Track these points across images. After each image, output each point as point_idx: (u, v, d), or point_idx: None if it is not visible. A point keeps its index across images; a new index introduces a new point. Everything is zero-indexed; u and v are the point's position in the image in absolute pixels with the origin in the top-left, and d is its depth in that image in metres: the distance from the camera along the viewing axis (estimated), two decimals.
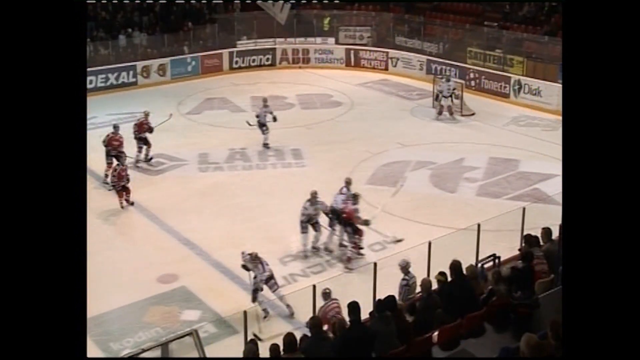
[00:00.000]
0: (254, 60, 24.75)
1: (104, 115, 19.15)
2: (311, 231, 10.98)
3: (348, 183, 11.41)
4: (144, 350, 8.04)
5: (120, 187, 12.70)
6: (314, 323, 6.96)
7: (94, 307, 9.30)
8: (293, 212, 12.60)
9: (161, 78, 23.04)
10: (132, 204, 12.92)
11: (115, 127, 14.33)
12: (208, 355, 7.56)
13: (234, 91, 21.54)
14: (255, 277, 9.23)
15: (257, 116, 15.80)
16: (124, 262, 10.96)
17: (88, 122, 18.63)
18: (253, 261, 9.28)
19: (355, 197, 10.92)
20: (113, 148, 13.83)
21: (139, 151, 15.06)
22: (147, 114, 15.34)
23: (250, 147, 16.10)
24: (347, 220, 10.70)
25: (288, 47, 24.97)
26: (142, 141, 15.04)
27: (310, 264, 10.69)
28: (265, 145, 15.76)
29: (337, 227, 11.01)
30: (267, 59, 24.92)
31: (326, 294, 8.19)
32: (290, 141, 16.08)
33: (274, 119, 15.70)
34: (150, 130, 15.07)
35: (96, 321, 9.03)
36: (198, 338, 7.68)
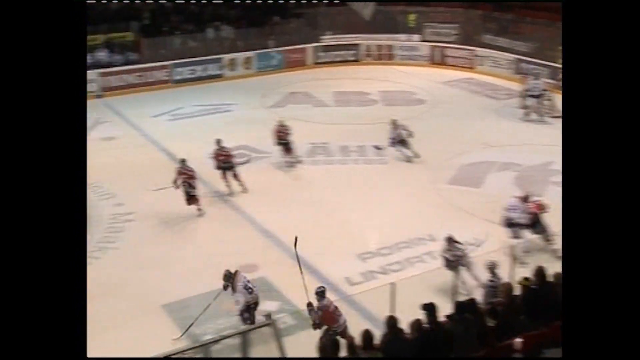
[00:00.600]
0: (337, 56, 24.81)
1: (190, 106, 19.80)
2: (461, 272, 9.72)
3: (526, 198, 10.76)
4: (224, 337, 8.23)
5: (188, 195, 12.40)
6: (392, 322, 6.93)
7: (178, 292, 9.66)
8: (373, 209, 12.62)
9: (246, 71, 23.49)
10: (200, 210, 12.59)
11: (218, 141, 13.62)
12: (287, 346, 7.65)
13: (317, 86, 21.65)
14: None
15: (393, 138, 14.89)
16: (207, 249, 11.26)
17: (175, 112, 19.31)
18: (226, 280, 8.78)
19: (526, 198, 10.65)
20: (221, 162, 13.42)
21: (286, 154, 14.78)
22: (281, 122, 15.00)
23: (332, 142, 16.16)
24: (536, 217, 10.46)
25: (372, 43, 24.89)
26: (283, 146, 14.76)
27: (389, 262, 10.62)
28: (410, 158, 14.95)
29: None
30: (351, 55, 24.93)
31: (321, 293, 8.21)
32: (372, 138, 15.96)
33: (410, 135, 14.87)
34: (286, 135, 14.73)
35: (180, 305, 9.31)
36: (276, 329, 7.79)
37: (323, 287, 8.37)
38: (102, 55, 22.16)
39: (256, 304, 8.84)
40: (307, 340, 8.41)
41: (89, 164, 15.28)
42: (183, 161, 12.67)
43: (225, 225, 12.24)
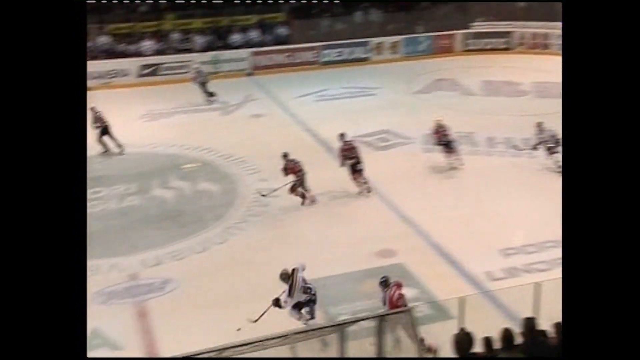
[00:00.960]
0: (488, 43, 23.98)
1: (336, 88, 20.05)
2: None
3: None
4: (360, 320, 8.27)
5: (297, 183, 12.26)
6: (530, 324, 6.64)
7: (316, 270, 9.79)
8: (519, 204, 12.09)
9: (393, 55, 23.36)
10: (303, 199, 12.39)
11: (342, 135, 12.97)
12: (423, 334, 7.55)
13: (465, 73, 21.08)
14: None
15: (538, 142, 13.70)
16: (347, 232, 11.33)
17: (321, 93, 19.62)
18: (284, 281, 8.59)
19: None
20: (345, 157, 12.72)
21: (448, 155, 13.76)
22: (439, 122, 13.93)
23: (478, 132, 15.67)
24: None
25: (526, 31, 23.79)
26: (444, 147, 13.80)
27: (535, 261, 10.14)
28: (556, 167, 13.34)
29: None
30: (503, 43, 23.98)
31: (384, 282, 8.18)
32: (522, 130, 15.23)
33: (557, 142, 13.23)
34: (445, 135, 13.77)
35: (317, 284, 9.44)
36: (413, 317, 7.70)
37: (385, 276, 8.35)
38: (254, 35, 22.95)
39: (314, 301, 8.62)
40: (443, 332, 8.27)
41: (237, 138, 15.90)
42: (285, 155, 12.37)
43: (365, 209, 12.23)
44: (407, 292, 9.39)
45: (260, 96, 19.63)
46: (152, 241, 11.20)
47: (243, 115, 18.06)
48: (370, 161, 14.16)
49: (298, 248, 10.86)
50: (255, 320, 8.57)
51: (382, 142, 15.51)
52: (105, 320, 8.98)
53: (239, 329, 8.28)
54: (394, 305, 8.16)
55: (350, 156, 12.66)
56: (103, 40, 21.73)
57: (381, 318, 7.74)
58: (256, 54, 22.34)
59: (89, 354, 8.40)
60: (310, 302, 8.59)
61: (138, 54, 21.69)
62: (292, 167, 12.29)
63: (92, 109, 15.18)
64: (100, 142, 15.21)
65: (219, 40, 22.64)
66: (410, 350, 7.28)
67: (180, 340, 8.15)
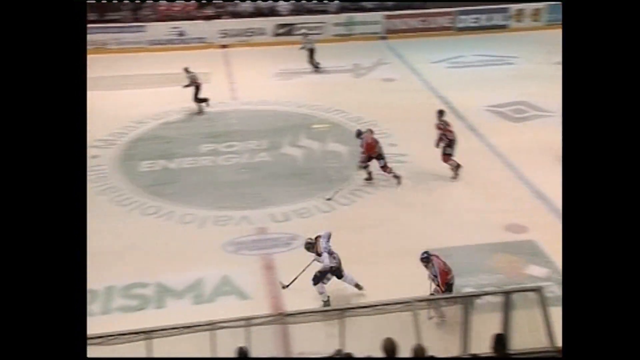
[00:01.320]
0: None
1: (471, 55, 19.44)
2: None
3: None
4: (487, 293, 8.06)
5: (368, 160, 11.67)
6: None
7: (440, 239, 9.65)
8: None
9: (534, 23, 22.29)
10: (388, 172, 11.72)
11: (441, 112, 12.05)
12: (552, 317, 7.25)
13: None
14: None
15: None
16: (476, 204, 11.06)
17: (455, 59, 19.10)
18: (308, 249, 8.63)
19: None
20: (440, 137, 11.75)
21: None
22: None
23: None
24: None
25: None
26: None
27: None
28: None
29: None
30: None
31: (426, 258, 8.10)
32: None
33: None
34: None
35: (441, 253, 9.29)
36: (543, 297, 7.39)
37: (426, 252, 8.20)
38: None
39: (336, 270, 8.58)
40: None
41: (367, 101, 15.67)
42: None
43: (496, 181, 11.84)
44: (538, 270, 9.10)
45: (393, 60, 19.39)
46: (281, 197, 11.47)
47: (374, 78, 17.94)
48: (503, 132, 13.78)
49: (424, 217, 10.72)
50: (287, 286, 8.73)
51: (517, 113, 14.92)
52: (234, 269, 9.36)
53: (283, 287, 8.69)
54: (445, 274, 8.09)
55: (442, 135, 11.75)
56: (245, 5, 22.20)
57: (508, 294, 7.54)
58: (390, 17, 22.03)
59: (218, 300, 8.86)
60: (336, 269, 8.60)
61: (274, 14, 22.05)
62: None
63: (186, 69, 15.46)
64: (196, 101, 15.45)
65: (354, 2, 22.50)
66: (540, 329, 7.03)
67: (303, 297, 8.36)
